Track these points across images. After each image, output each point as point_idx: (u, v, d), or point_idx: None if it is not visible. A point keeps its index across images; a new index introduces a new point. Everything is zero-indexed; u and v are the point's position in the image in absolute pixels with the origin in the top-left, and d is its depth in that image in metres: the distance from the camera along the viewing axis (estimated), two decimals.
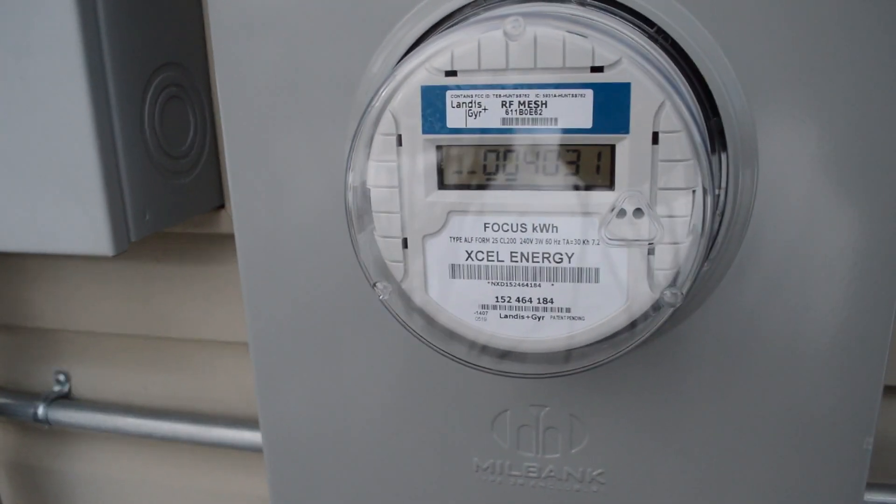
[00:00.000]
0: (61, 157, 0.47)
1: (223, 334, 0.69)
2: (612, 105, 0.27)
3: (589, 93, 0.27)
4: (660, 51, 0.29)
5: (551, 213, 0.29)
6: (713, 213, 0.28)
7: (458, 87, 0.28)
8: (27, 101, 0.47)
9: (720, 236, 0.32)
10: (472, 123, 0.29)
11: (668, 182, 0.28)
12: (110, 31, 0.47)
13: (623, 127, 0.27)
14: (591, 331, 0.30)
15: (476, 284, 0.31)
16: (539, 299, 0.30)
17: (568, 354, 0.31)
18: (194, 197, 0.57)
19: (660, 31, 0.30)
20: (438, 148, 0.30)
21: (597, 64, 0.27)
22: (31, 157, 0.48)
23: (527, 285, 0.30)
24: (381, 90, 0.29)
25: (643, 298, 0.29)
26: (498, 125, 0.28)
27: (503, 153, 0.29)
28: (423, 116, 0.29)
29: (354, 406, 0.40)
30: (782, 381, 0.34)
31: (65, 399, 0.75)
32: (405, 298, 0.32)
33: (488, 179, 0.30)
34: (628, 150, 0.28)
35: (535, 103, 0.28)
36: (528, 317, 0.31)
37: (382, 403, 0.39)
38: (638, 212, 0.28)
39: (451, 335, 0.32)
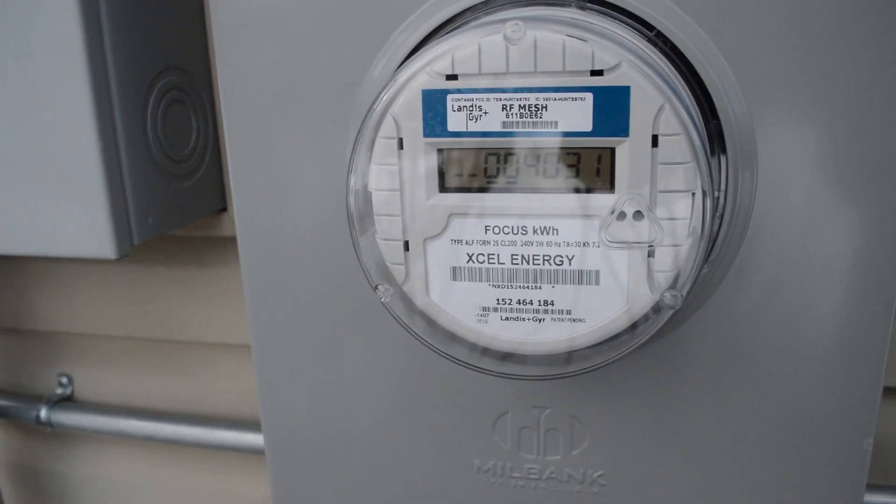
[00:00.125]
0: (64, 160, 0.47)
1: (225, 337, 0.69)
2: (612, 108, 0.27)
3: (589, 96, 0.28)
4: (659, 54, 0.29)
5: (552, 215, 0.29)
6: (713, 216, 0.28)
7: (459, 91, 0.28)
8: (30, 104, 0.47)
9: (720, 238, 0.32)
10: (473, 127, 0.29)
11: (668, 185, 0.28)
12: (113, 34, 0.47)
13: (623, 130, 0.28)
14: (592, 333, 0.30)
15: (477, 287, 0.31)
16: (540, 301, 0.30)
17: (569, 356, 0.32)
18: (196, 200, 0.58)
19: (659, 34, 0.30)
20: (439, 151, 0.30)
21: (596, 67, 0.27)
22: (33, 160, 0.48)
23: (527, 287, 0.30)
24: (383, 94, 0.29)
25: (643, 300, 0.29)
26: (498, 128, 0.29)
27: (504, 156, 0.29)
28: (425, 120, 0.29)
29: (356, 408, 0.40)
30: (782, 382, 0.34)
31: (67, 401, 0.75)
32: (406, 301, 0.32)
33: (489, 182, 0.30)
34: (628, 153, 0.28)
35: (535, 107, 0.28)
36: (528, 319, 0.31)
37: (384, 405, 0.39)
38: (638, 214, 0.28)
39: (453, 337, 0.32)
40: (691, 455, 0.36)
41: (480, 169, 0.30)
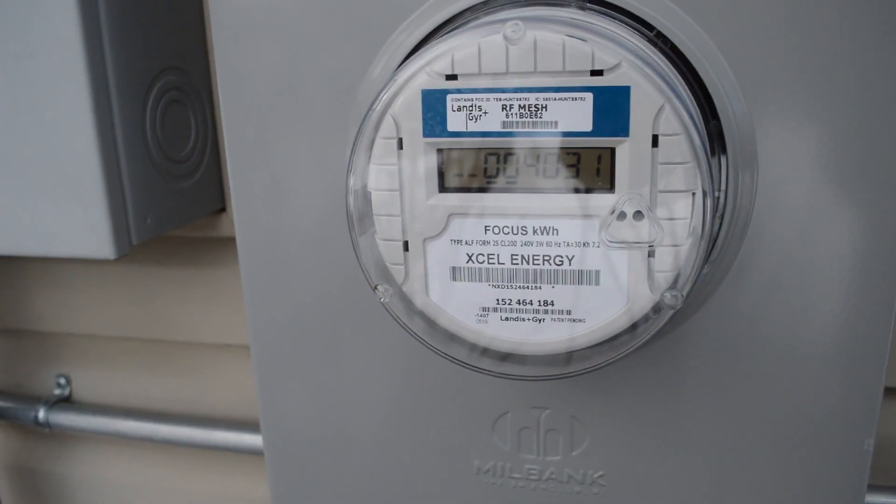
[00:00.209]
0: (63, 160, 0.47)
1: (224, 337, 0.69)
2: (612, 108, 0.27)
3: (589, 96, 0.27)
4: (659, 54, 0.29)
5: (552, 215, 0.29)
6: (713, 216, 0.28)
7: (459, 91, 0.28)
8: (29, 104, 0.47)
9: (720, 238, 0.32)
10: (473, 127, 0.29)
11: (668, 185, 0.28)
12: (112, 34, 0.47)
13: (623, 130, 0.28)
14: (592, 333, 0.30)
15: (477, 287, 0.31)
16: (540, 302, 0.30)
17: (569, 357, 0.32)
18: (195, 200, 0.57)
19: (659, 34, 0.30)
20: (439, 151, 0.30)
21: (596, 67, 0.27)
22: (32, 161, 0.48)
23: (527, 288, 0.30)
24: (382, 94, 0.29)
25: (644, 300, 0.29)
26: (498, 128, 0.28)
27: (504, 156, 0.29)
28: (424, 120, 0.29)
29: (355, 408, 0.40)
30: (783, 382, 0.34)
31: (65, 402, 0.75)
32: (406, 301, 0.32)
33: (489, 182, 0.30)
34: (628, 153, 0.28)
35: (535, 107, 0.28)
36: (528, 319, 0.31)
37: (383, 406, 0.39)
38: (638, 214, 0.28)
39: (452, 337, 0.32)
40: (692, 455, 0.36)
41: (480, 169, 0.30)
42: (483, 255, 0.30)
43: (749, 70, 0.30)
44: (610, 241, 0.29)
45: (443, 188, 0.30)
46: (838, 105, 0.30)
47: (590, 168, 0.29)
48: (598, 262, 0.29)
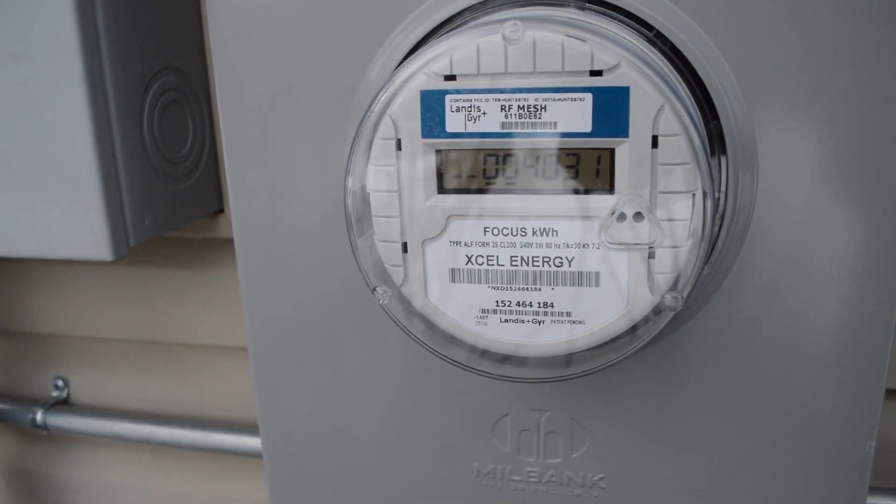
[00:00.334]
0: (60, 161, 0.47)
1: (222, 339, 0.68)
2: (612, 109, 0.27)
3: (588, 97, 0.27)
4: (659, 54, 0.29)
5: (551, 216, 0.29)
6: (713, 217, 0.28)
7: (458, 92, 0.28)
8: (26, 105, 0.47)
9: (720, 240, 0.32)
10: (472, 127, 0.29)
11: (668, 185, 0.28)
12: (109, 35, 0.47)
13: (622, 131, 0.27)
14: (592, 335, 0.30)
15: (476, 289, 0.31)
16: (539, 303, 0.30)
17: (568, 358, 0.31)
18: (194, 201, 0.57)
19: (658, 34, 0.30)
20: (438, 152, 0.29)
21: (596, 68, 0.27)
22: (30, 162, 0.48)
23: (527, 289, 0.30)
24: (381, 94, 0.29)
25: (644, 302, 0.29)
26: (497, 129, 0.28)
27: (503, 157, 0.29)
28: (423, 121, 0.29)
29: (354, 411, 0.39)
30: (784, 384, 0.34)
31: (63, 405, 0.75)
32: (405, 303, 0.32)
33: (488, 183, 0.30)
34: (628, 154, 0.28)
35: (534, 107, 0.28)
36: (528, 321, 0.31)
37: (382, 408, 0.39)
38: (638, 215, 0.28)
39: (451, 339, 0.32)
40: (692, 458, 0.36)
41: (479, 170, 0.29)
42: (482, 256, 0.30)
43: (749, 70, 0.30)
44: (610, 243, 0.29)
45: (442, 189, 0.30)
46: (839, 105, 0.30)
47: (589, 169, 0.28)
48: (597, 263, 0.29)
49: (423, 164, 0.29)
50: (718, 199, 0.31)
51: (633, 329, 0.30)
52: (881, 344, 0.32)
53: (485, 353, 0.32)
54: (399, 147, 0.29)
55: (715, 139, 0.31)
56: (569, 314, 0.30)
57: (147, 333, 0.71)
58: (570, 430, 0.37)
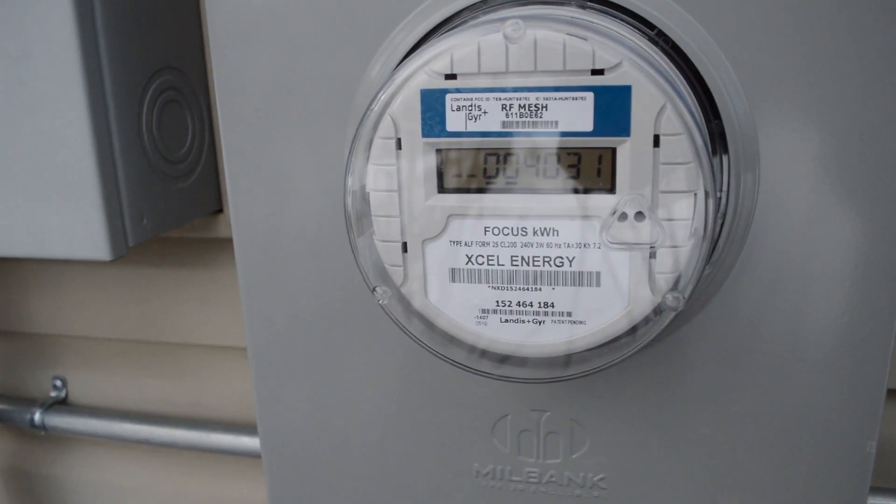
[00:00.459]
0: (59, 161, 0.47)
1: (221, 339, 0.68)
2: (613, 108, 0.27)
3: (589, 96, 0.27)
4: (660, 53, 0.29)
5: (552, 216, 0.29)
6: (715, 216, 0.28)
7: (458, 91, 0.28)
8: (25, 105, 0.47)
9: (722, 239, 0.32)
10: (472, 127, 0.28)
11: (670, 185, 0.27)
12: (108, 35, 0.47)
13: (624, 130, 0.27)
14: (592, 335, 0.30)
15: (476, 288, 0.31)
16: (540, 303, 0.30)
17: (568, 359, 0.31)
18: (192, 201, 0.57)
19: (660, 33, 0.30)
20: (438, 151, 0.29)
21: (597, 67, 0.27)
22: (28, 162, 0.48)
23: (527, 289, 0.30)
24: (381, 94, 0.29)
25: (644, 302, 0.29)
26: (498, 128, 0.28)
27: (503, 156, 0.29)
28: (423, 120, 0.29)
29: (353, 411, 0.39)
30: (785, 385, 0.34)
31: (61, 405, 0.75)
32: (405, 303, 0.31)
33: (488, 183, 0.29)
34: (629, 154, 0.28)
35: (535, 106, 0.28)
36: (528, 321, 0.30)
37: (382, 408, 0.39)
38: (639, 215, 0.28)
39: (451, 339, 0.32)
40: (693, 458, 0.36)
41: (480, 169, 0.29)
42: (482, 256, 0.30)
43: (751, 69, 0.30)
44: (611, 243, 0.29)
45: (442, 189, 0.30)
46: (841, 105, 0.30)
47: (590, 168, 0.28)
48: (598, 263, 0.29)
49: (423, 163, 0.29)
50: (720, 198, 0.31)
51: (634, 329, 0.30)
52: (882, 344, 0.32)
53: (484, 354, 0.32)
54: (399, 146, 0.29)
55: (716, 138, 0.31)
56: (569, 314, 0.30)
57: (146, 333, 0.70)
58: (570, 431, 0.37)
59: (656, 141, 0.27)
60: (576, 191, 0.29)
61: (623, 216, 0.28)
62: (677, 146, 0.27)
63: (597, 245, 0.29)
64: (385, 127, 0.29)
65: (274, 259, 0.37)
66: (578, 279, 0.29)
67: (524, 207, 0.29)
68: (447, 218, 0.30)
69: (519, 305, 0.30)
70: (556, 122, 0.28)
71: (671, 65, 0.29)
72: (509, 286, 0.30)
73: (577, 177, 0.29)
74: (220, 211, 0.61)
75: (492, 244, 0.30)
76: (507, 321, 0.31)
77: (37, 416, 0.72)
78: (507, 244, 0.30)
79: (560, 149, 0.28)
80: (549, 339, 0.30)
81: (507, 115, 0.28)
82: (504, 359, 0.32)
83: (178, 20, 0.54)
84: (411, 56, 0.29)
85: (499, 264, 0.30)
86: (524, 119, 0.28)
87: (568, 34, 0.27)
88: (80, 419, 0.72)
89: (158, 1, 0.52)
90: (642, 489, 0.37)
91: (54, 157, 0.47)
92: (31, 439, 0.79)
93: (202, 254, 0.66)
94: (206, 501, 0.75)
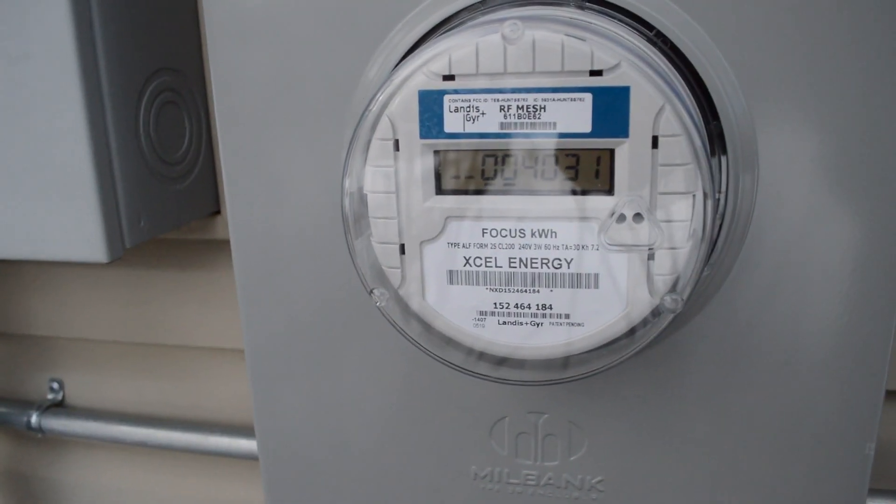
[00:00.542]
0: (55, 162, 0.47)
1: (219, 341, 0.68)
2: (612, 109, 0.27)
3: (588, 97, 0.27)
4: (659, 54, 0.29)
5: (550, 218, 0.29)
6: (713, 218, 0.28)
7: (456, 92, 0.28)
8: (21, 106, 0.46)
9: (720, 241, 0.31)
10: (470, 128, 0.28)
11: (668, 186, 0.27)
12: (105, 35, 0.46)
13: (622, 131, 0.27)
14: (590, 337, 0.30)
15: (474, 290, 0.30)
16: (537, 305, 0.30)
17: (566, 361, 0.31)
18: (190, 203, 0.57)
19: (659, 34, 0.30)
20: (436, 153, 0.29)
21: (596, 67, 0.27)
22: (25, 163, 0.47)
23: (525, 291, 0.30)
24: (378, 95, 0.29)
25: (643, 304, 0.29)
26: (496, 130, 0.28)
27: (501, 158, 0.29)
28: (421, 121, 0.29)
29: (351, 413, 0.39)
30: (783, 386, 0.33)
31: (58, 407, 0.75)
32: (402, 305, 0.31)
33: (486, 184, 0.29)
34: (628, 155, 0.27)
35: (533, 107, 0.28)
36: (526, 323, 0.30)
37: (379, 410, 0.39)
38: (637, 217, 0.28)
39: (449, 342, 0.32)
40: (691, 461, 0.36)
41: (478, 171, 0.29)
42: (480, 258, 0.30)
43: (750, 69, 0.30)
44: (609, 244, 0.29)
45: (440, 190, 0.30)
46: (840, 106, 0.29)
47: (589, 170, 0.28)
48: (596, 265, 0.29)
49: (421, 164, 0.29)
50: (719, 199, 0.30)
51: (632, 331, 0.30)
52: (881, 346, 0.32)
53: (482, 356, 0.32)
54: (397, 148, 0.29)
55: (715, 139, 0.31)
56: (567, 316, 0.30)
57: (143, 335, 0.70)
58: (568, 433, 0.37)
59: (655, 142, 0.27)
60: (574, 192, 0.29)
61: (621, 218, 0.28)
62: (676, 147, 0.27)
63: (595, 247, 0.29)
64: (383, 128, 0.29)
65: (271, 261, 0.37)
66: (576, 281, 0.29)
67: (522, 209, 0.29)
68: (445, 219, 0.30)
69: (517, 307, 0.30)
70: (555, 124, 0.28)
71: (670, 65, 0.29)
72: (507, 288, 0.30)
73: (575, 178, 0.28)
74: (218, 212, 0.61)
75: (490, 246, 0.30)
76: (504, 323, 0.31)
77: (34, 419, 0.72)
78: (504, 246, 0.30)
79: (558, 150, 0.28)
80: (547, 341, 0.30)
81: (505, 117, 0.28)
82: (502, 361, 0.32)
83: (175, 21, 0.54)
84: (409, 57, 0.29)
85: (497, 266, 0.30)
86: (522, 120, 0.28)
87: (566, 35, 0.27)
88: (78, 421, 0.72)
89: (156, 2, 0.52)
90: (640, 491, 0.37)
91: (51, 158, 0.47)
92: (28, 442, 0.79)
93: (200, 256, 0.66)
94: (204, 503, 0.75)
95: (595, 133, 0.27)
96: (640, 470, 0.36)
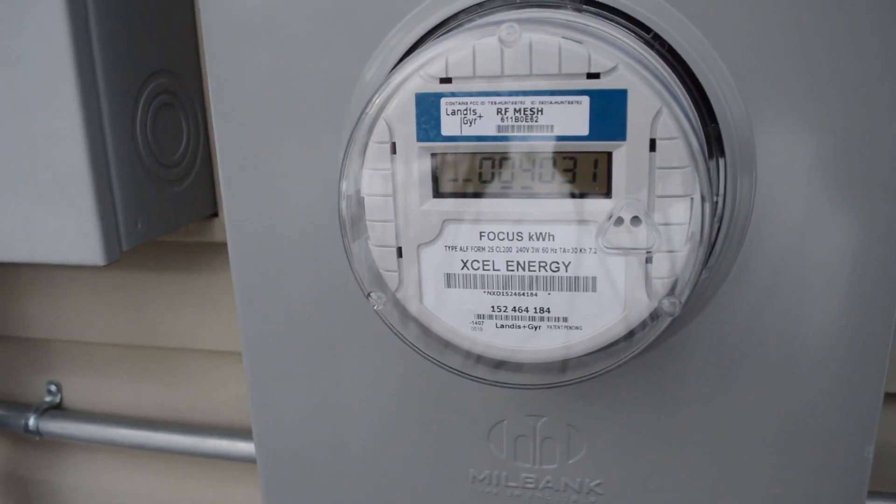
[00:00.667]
0: (52, 165, 0.47)
1: (216, 343, 0.68)
2: (609, 112, 0.27)
3: (585, 99, 0.27)
4: (656, 57, 0.29)
5: (547, 221, 0.29)
6: (711, 221, 0.28)
7: (453, 95, 0.28)
8: (18, 109, 0.46)
9: (718, 244, 0.31)
10: (467, 131, 0.28)
11: (666, 189, 0.27)
12: (102, 38, 0.46)
13: (620, 134, 0.27)
14: (588, 340, 0.30)
15: (471, 294, 0.30)
16: (535, 308, 0.30)
17: (564, 364, 0.31)
18: (187, 205, 0.57)
19: (656, 36, 0.30)
20: (433, 156, 0.29)
21: (593, 70, 0.27)
22: (21, 166, 0.47)
23: (523, 294, 0.30)
24: (375, 97, 0.29)
25: (641, 307, 0.29)
26: (493, 133, 0.28)
27: (499, 161, 0.29)
28: (418, 124, 0.29)
29: (349, 417, 0.39)
30: (782, 389, 0.33)
31: (56, 410, 0.75)
32: (400, 308, 0.31)
33: (484, 187, 0.29)
34: (625, 158, 0.27)
35: (530, 110, 0.28)
36: (524, 326, 0.30)
37: (377, 414, 0.39)
38: (635, 220, 0.28)
39: (447, 345, 0.31)
40: (690, 464, 0.36)
41: (475, 174, 0.29)
42: (478, 261, 0.30)
43: (747, 72, 0.30)
44: (607, 248, 0.28)
45: (437, 193, 0.30)
46: (838, 108, 0.29)
47: (586, 173, 0.28)
48: (594, 268, 0.29)
49: (418, 167, 0.29)
50: (716, 202, 0.30)
51: (631, 334, 0.30)
52: (880, 348, 0.32)
53: (480, 359, 0.32)
54: (394, 150, 0.29)
55: (713, 142, 0.30)
56: (565, 319, 0.30)
57: (141, 338, 0.70)
58: (566, 436, 0.37)
59: (652, 145, 0.27)
60: (572, 195, 0.29)
61: (619, 221, 0.28)
62: (673, 150, 0.27)
63: (593, 250, 0.29)
64: (380, 131, 0.29)
65: (269, 263, 0.37)
66: (574, 284, 0.29)
67: (520, 212, 0.29)
68: (442, 223, 0.30)
69: (514, 311, 0.30)
70: (552, 127, 0.28)
71: (667, 68, 0.29)
72: (505, 291, 0.30)
73: (572, 181, 0.28)
74: (215, 215, 0.61)
75: (487, 249, 0.30)
76: (502, 326, 0.30)
77: (31, 422, 0.72)
78: (502, 249, 0.30)
79: (556, 153, 0.28)
80: (545, 344, 0.30)
81: (502, 120, 0.28)
82: (500, 364, 0.32)
83: (172, 23, 0.54)
84: (406, 59, 0.29)
85: (494, 269, 0.30)
86: (519, 123, 0.28)
87: (563, 38, 0.27)
88: (75, 424, 0.71)
89: (153, 4, 0.52)
90: (639, 494, 0.37)
91: (48, 160, 0.47)
92: (26, 444, 0.79)
93: (197, 258, 0.66)
94: None
95: (592, 136, 0.27)
96: (639, 473, 0.36)
